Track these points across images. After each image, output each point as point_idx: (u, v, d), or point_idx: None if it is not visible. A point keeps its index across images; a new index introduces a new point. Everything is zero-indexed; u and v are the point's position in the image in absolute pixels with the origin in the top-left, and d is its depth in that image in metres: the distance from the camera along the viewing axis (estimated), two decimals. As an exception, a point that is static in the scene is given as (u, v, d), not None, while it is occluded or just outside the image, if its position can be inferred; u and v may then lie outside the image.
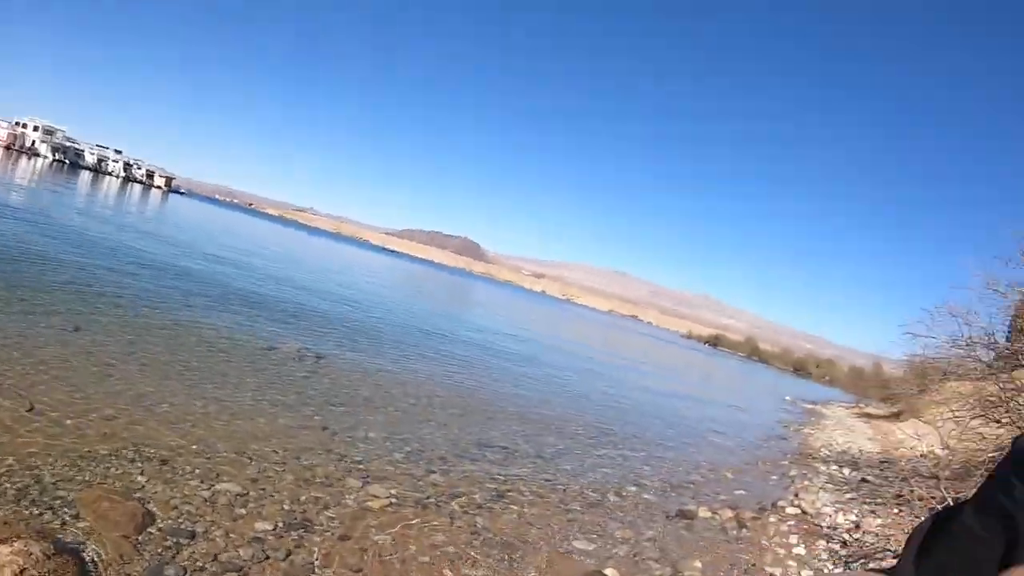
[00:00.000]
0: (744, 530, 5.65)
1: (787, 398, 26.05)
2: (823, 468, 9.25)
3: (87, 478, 3.45)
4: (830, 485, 7.86)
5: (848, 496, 7.09)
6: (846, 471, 8.39)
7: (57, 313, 6.71)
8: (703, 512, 5.98)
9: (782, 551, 5.12)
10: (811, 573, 4.62)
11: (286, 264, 23.61)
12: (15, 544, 2.38)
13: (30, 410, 4.07)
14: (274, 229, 72.37)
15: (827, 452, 10.93)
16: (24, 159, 59.22)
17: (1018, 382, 6.38)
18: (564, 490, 5.63)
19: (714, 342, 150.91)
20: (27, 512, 2.94)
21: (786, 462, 9.93)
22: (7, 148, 67.76)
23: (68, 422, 4.06)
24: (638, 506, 5.81)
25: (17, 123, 77.45)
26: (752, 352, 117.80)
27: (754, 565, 4.74)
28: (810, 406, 24.12)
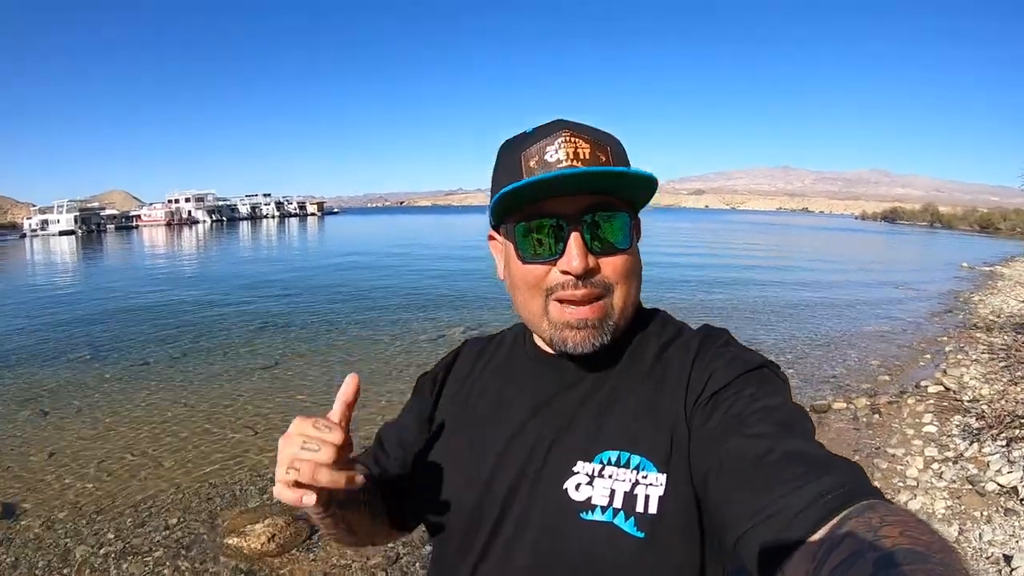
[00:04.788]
0: (877, 416, 5.69)
1: (963, 264, 23.21)
2: (984, 337, 8.56)
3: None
4: (986, 355, 7.37)
5: (1002, 365, 6.68)
6: (1007, 337, 7.73)
7: (258, 354, 8.48)
8: (837, 404, 6.03)
9: (911, 431, 5.17)
10: (935, 449, 4.69)
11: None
12: (266, 520, 3.58)
13: (255, 434, 5.51)
14: (426, 220, 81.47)
15: (994, 319, 9.94)
16: (186, 229, 68.41)
17: None
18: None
19: (891, 217, 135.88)
20: (270, 502, 4.18)
21: (945, 338, 9.30)
22: (168, 225, 78.90)
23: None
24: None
25: (170, 200, 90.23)
26: (933, 218, 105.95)
27: (878, 448, 4.89)
28: (989, 268, 21.31)
